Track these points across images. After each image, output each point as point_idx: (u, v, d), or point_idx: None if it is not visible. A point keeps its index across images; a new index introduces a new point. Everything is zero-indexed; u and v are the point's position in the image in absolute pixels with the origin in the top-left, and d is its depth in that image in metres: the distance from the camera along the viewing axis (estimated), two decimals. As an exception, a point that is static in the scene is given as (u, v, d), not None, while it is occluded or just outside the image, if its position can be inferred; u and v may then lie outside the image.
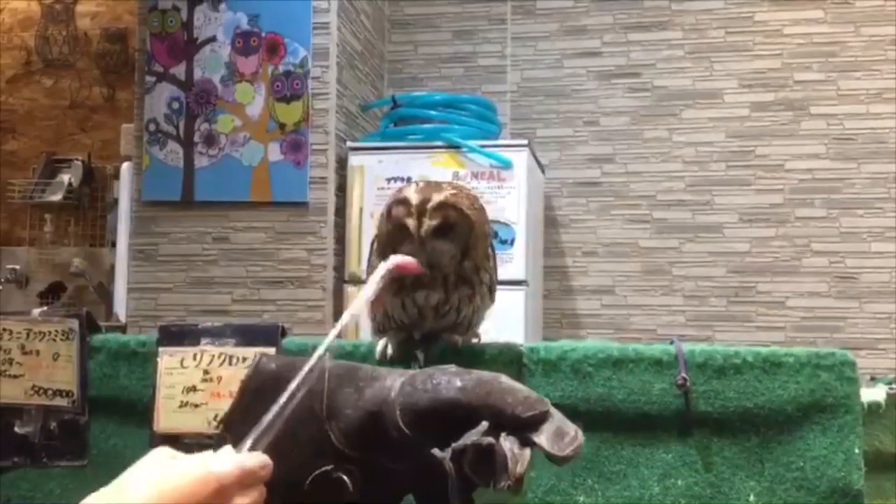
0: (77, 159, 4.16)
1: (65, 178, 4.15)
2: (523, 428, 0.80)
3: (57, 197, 4.13)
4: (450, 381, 0.83)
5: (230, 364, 1.22)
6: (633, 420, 1.15)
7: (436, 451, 0.80)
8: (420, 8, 3.87)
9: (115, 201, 3.64)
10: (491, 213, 3.00)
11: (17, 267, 4.18)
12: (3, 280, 4.14)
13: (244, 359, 1.22)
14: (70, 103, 4.30)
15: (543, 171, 3.57)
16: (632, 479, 1.14)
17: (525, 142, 3.13)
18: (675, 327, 3.51)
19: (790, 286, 3.49)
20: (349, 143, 3.20)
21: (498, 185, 3.04)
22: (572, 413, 1.18)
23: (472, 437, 0.79)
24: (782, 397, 1.12)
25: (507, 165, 3.02)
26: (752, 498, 1.10)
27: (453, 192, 1.10)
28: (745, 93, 3.59)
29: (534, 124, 3.70)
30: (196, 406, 1.21)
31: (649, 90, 3.66)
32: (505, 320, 2.87)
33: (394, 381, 0.86)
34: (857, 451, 1.09)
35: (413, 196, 1.08)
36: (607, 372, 1.16)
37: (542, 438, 0.80)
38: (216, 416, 1.22)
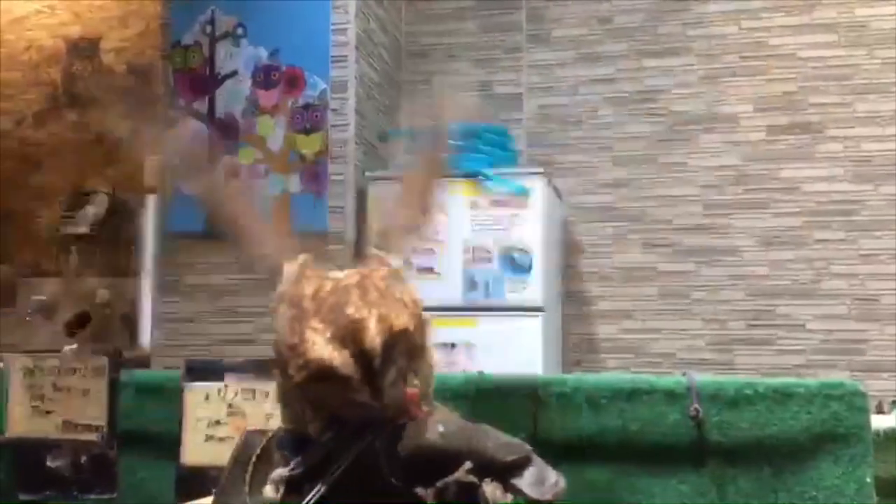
0: (102, 192, 4.24)
1: (90, 210, 4.23)
2: (505, 472, 0.82)
3: (83, 229, 4.20)
4: (432, 427, 0.84)
5: (253, 398, 1.26)
6: (647, 451, 1.17)
7: (419, 490, 0.81)
8: (436, 38, 3.93)
9: (140, 233, 3.71)
10: (508, 241, 3.05)
11: (44, 298, 4.25)
12: (30, 311, 4.21)
13: (266, 393, 1.25)
14: (95, 137, 4.39)
15: (561, 198, 3.60)
16: (647, 509, 1.16)
17: (542, 169, 3.16)
18: (694, 351, 3.51)
19: (810, 309, 3.49)
20: (368, 173, 3.25)
21: (515, 213, 3.07)
22: (587, 445, 1.21)
23: (456, 475, 0.81)
24: (794, 427, 1.13)
25: (524, 193, 3.06)
26: (766, 528, 1.12)
27: (375, 309, 0.78)
28: (761, 116, 3.60)
29: (550, 151, 3.73)
30: (221, 440, 1.25)
31: (665, 115, 3.69)
32: (521, 347, 2.91)
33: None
34: (868, 479, 1.10)
35: (340, 363, 0.75)
36: (621, 403, 1.18)
37: (524, 483, 0.81)
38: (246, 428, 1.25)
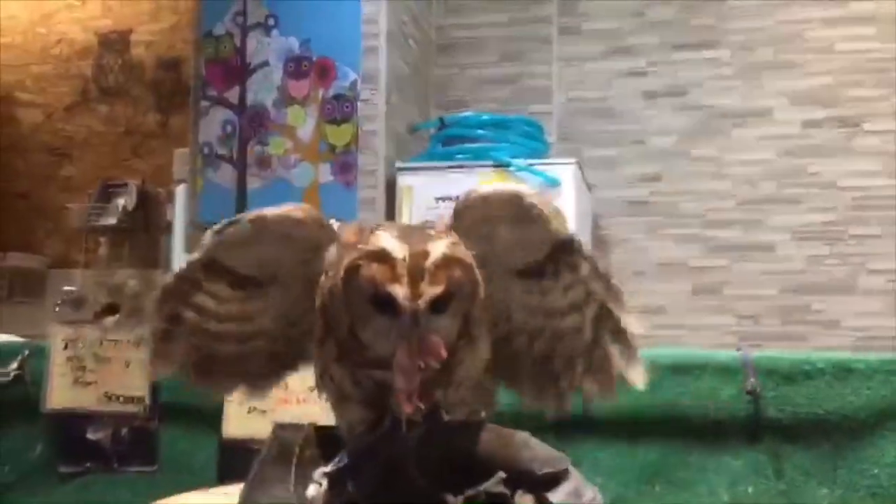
0: (132, 184, 4.25)
1: (119, 202, 4.25)
2: (539, 486, 0.78)
3: (112, 220, 4.22)
4: (467, 431, 0.81)
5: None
6: (701, 426, 1.14)
7: (449, 498, 0.77)
8: (466, 31, 3.91)
9: (169, 224, 3.71)
10: (540, 232, 3.00)
11: (73, 289, 4.27)
12: (59, 301, 4.23)
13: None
14: (125, 130, 4.41)
15: (591, 191, 3.57)
16: (700, 486, 1.13)
17: (574, 160, 3.13)
18: (726, 348, 3.45)
19: (845, 305, 3.42)
20: (398, 164, 3.23)
21: (547, 204, 3.03)
22: (637, 421, 1.18)
23: (486, 485, 0.77)
24: (854, 403, 1.10)
25: (555, 184, 3.02)
26: (825, 506, 1.08)
27: (449, 238, 0.77)
28: (797, 110, 3.55)
29: (581, 144, 3.70)
30: (264, 412, 1.23)
31: (698, 109, 3.64)
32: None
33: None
34: (933, 457, 1.07)
35: (397, 248, 0.73)
36: (675, 378, 1.15)
37: (559, 498, 0.77)
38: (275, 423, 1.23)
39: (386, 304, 0.72)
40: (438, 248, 0.73)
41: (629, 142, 3.70)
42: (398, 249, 0.72)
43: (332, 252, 0.81)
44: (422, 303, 0.72)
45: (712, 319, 3.52)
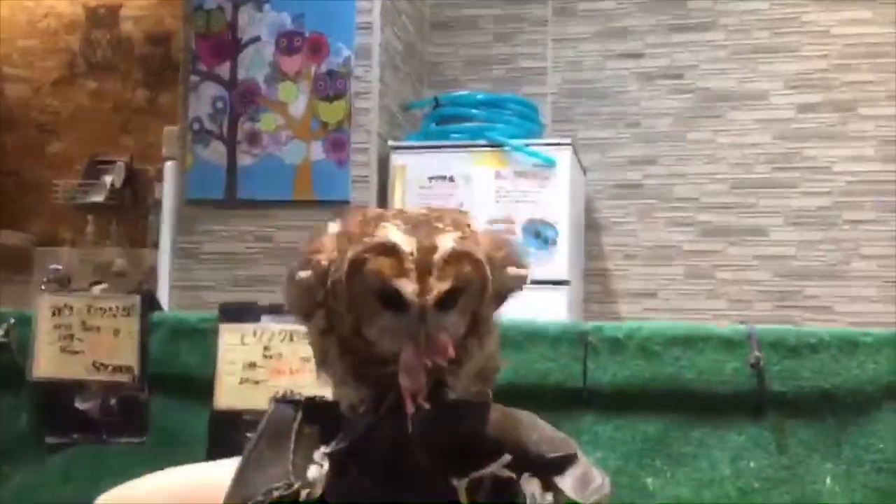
0: (120, 161, 4.20)
1: (107, 179, 4.19)
2: (547, 469, 0.75)
3: (99, 198, 4.17)
4: (473, 412, 0.79)
5: (291, 340, 1.21)
6: (703, 400, 1.12)
7: (453, 480, 0.74)
8: (460, 10, 3.86)
9: (157, 202, 3.66)
10: (534, 213, 2.99)
11: (60, 267, 4.22)
12: (45, 279, 4.18)
13: (304, 335, 1.20)
14: (113, 106, 4.35)
15: (585, 173, 3.54)
16: (702, 460, 1.11)
17: (569, 140, 3.11)
18: (718, 332, 3.44)
19: (838, 290, 3.42)
20: (391, 142, 3.20)
21: (541, 185, 3.01)
22: (639, 394, 1.16)
23: (491, 468, 0.74)
24: (860, 377, 1.08)
25: (550, 164, 3.00)
26: (829, 481, 1.07)
27: (457, 232, 0.75)
28: (792, 94, 3.53)
29: (575, 126, 3.67)
30: (256, 383, 1.21)
31: (693, 91, 3.62)
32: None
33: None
34: (940, 432, 1.05)
35: (405, 242, 0.72)
36: (676, 351, 1.13)
37: (566, 483, 0.74)
38: (276, 394, 1.20)
39: (393, 299, 0.71)
40: (447, 243, 0.72)
41: (623, 124, 3.67)
42: (406, 243, 0.71)
43: (329, 241, 0.78)
44: (430, 299, 0.70)
45: (705, 304, 3.51)
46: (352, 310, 0.74)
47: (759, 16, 3.59)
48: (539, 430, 0.76)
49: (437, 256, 0.71)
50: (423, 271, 0.70)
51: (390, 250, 0.71)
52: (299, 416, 0.81)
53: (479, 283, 0.74)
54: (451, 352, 0.72)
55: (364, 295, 0.72)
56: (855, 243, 3.43)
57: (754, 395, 1.10)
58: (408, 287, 0.70)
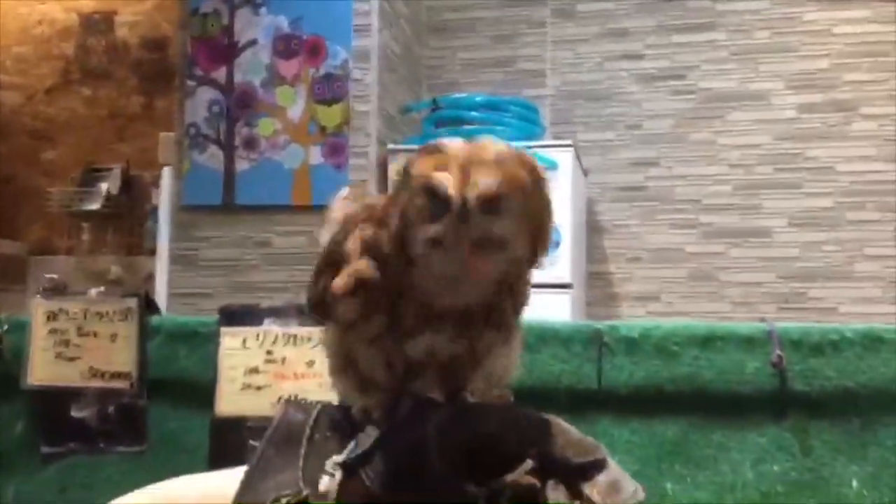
0: (115, 168, 4.16)
1: (103, 186, 4.15)
2: (574, 476, 0.71)
3: (95, 205, 4.12)
4: (494, 416, 0.74)
5: (294, 344, 1.17)
6: (723, 401, 1.08)
7: (472, 489, 0.70)
8: (458, 13, 3.83)
9: (154, 209, 3.62)
10: (536, 215, 2.95)
11: (55, 276, 4.16)
12: (40, 289, 4.13)
13: (309, 338, 1.17)
14: (108, 112, 4.31)
15: (586, 175, 3.51)
16: (723, 464, 1.07)
17: (570, 142, 3.07)
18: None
19: (843, 292, 3.39)
20: (390, 145, 3.16)
21: (543, 187, 2.97)
22: (657, 396, 1.12)
23: (513, 476, 0.70)
24: (885, 375, 1.04)
25: (553, 166, 2.96)
26: (855, 483, 1.03)
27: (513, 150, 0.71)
28: (793, 94, 3.50)
29: (575, 128, 3.64)
30: (259, 388, 1.17)
31: (694, 92, 3.59)
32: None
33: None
34: (970, 431, 1.01)
35: (452, 145, 0.69)
36: (695, 350, 1.09)
37: (595, 491, 0.70)
38: (280, 399, 1.16)
39: (436, 198, 0.66)
40: (495, 147, 0.68)
41: (624, 126, 3.64)
42: (454, 146, 0.68)
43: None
44: (473, 194, 0.65)
45: (708, 306, 3.47)
46: (399, 228, 0.68)
47: (760, 16, 3.56)
48: (565, 434, 0.72)
49: (484, 153, 0.67)
50: (467, 166, 0.66)
51: (435, 149, 0.67)
52: (311, 421, 0.77)
53: (536, 195, 0.69)
54: (490, 267, 0.67)
55: (410, 203, 0.68)
56: (859, 244, 3.40)
57: (776, 396, 1.06)
58: (447, 180, 0.65)
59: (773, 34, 3.55)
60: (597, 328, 1.12)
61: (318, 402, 0.80)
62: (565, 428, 0.74)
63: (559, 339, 1.13)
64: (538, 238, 0.71)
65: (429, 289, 0.69)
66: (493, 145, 0.69)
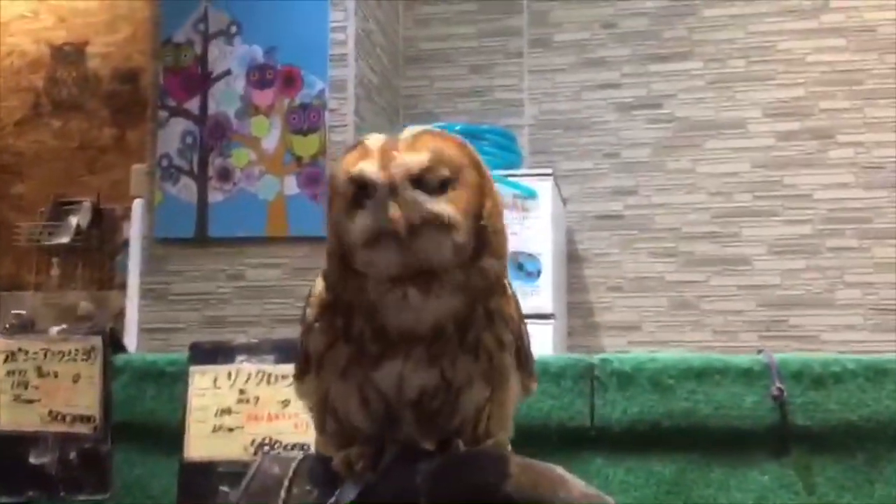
0: (85, 201, 4.08)
1: (73, 220, 4.07)
2: None
3: (65, 239, 4.04)
4: (489, 465, 0.69)
5: (268, 383, 1.11)
6: (722, 437, 1.03)
7: None
8: (435, 43, 3.82)
9: (125, 243, 3.54)
10: (516, 245, 2.91)
11: (23, 312, 4.05)
12: (7, 325, 4.01)
13: (284, 377, 1.10)
14: (79, 145, 4.24)
15: (565, 204, 3.48)
16: (723, 503, 1.01)
17: (549, 171, 3.04)
18: (704, 364, 3.37)
19: (823, 319, 3.37)
20: (367, 176, 3.11)
21: (522, 216, 2.94)
22: (652, 432, 1.06)
23: None
24: (890, 408, 1.00)
25: (531, 195, 2.93)
26: (862, 523, 0.98)
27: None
28: (770, 122, 3.51)
29: (553, 157, 3.61)
30: (231, 430, 1.10)
31: (671, 121, 3.58)
32: (533, 355, 2.75)
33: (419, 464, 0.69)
34: (981, 466, 0.97)
35: (371, 136, 0.67)
36: (691, 384, 1.04)
37: None
38: (253, 442, 1.10)
39: (364, 187, 0.63)
40: (422, 127, 0.66)
41: (602, 155, 3.63)
42: (374, 136, 0.66)
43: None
44: (397, 171, 0.62)
45: (690, 335, 3.44)
46: (334, 242, 0.66)
47: (735, 44, 3.58)
48: (567, 487, 0.66)
49: (406, 135, 0.65)
50: (389, 150, 0.63)
51: (357, 144, 0.65)
52: (290, 472, 0.71)
53: (468, 170, 0.65)
54: (434, 254, 0.62)
55: (340, 206, 0.64)
56: (839, 271, 3.39)
57: (777, 431, 1.01)
58: (370, 166, 0.62)
59: (749, 63, 3.56)
60: (588, 362, 1.07)
61: (297, 453, 0.74)
62: (568, 479, 0.68)
63: (549, 374, 1.07)
64: (482, 223, 0.65)
65: (385, 305, 0.63)
66: (415, 128, 0.66)
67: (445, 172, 0.63)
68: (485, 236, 0.65)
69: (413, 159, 0.62)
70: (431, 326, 0.64)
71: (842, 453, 1.00)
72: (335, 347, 0.68)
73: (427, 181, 0.62)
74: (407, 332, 0.64)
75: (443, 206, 0.62)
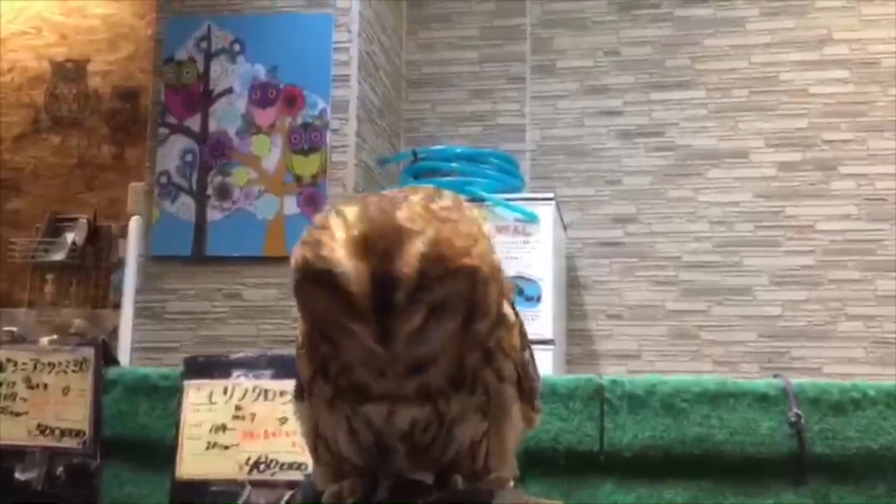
0: (82, 218, 4.04)
1: (69, 237, 4.02)
2: None
3: (60, 256, 3.98)
4: (487, 502, 0.64)
5: (265, 399, 1.07)
6: (736, 464, 0.99)
7: None
8: (437, 67, 3.82)
9: (121, 261, 3.50)
10: (516, 269, 2.88)
11: (15, 329, 4.00)
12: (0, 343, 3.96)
13: (282, 393, 1.06)
14: (77, 161, 4.20)
15: (566, 230, 3.45)
16: (737, 534, 0.97)
17: (551, 195, 3.02)
18: (704, 395, 3.33)
19: (825, 351, 3.33)
20: (368, 198, 3.08)
21: (524, 240, 2.91)
22: (664, 458, 1.03)
23: None
24: (912, 437, 0.96)
25: (532, 220, 2.90)
26: (883, 557, 0.94)
27: (421, 208, 0.60)
28: (772, 152, 3.50)
29: (554, 183, 3.59)
30: (226, 448, 1.05)
31: (673, 149, 3.57)
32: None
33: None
34: None
35: (336, 221, 0.61)
36: (705, 408, 1.00)
37: None
38: (248, 460, 1.05)
39: (335, 295, 0.59)
40: (411, 258, 0.56)
41: (603, 182, 3.61)
42: (353, 274, 0.58)
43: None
44: (399, 343, 0.58)
45: (689, 365, 3.40)
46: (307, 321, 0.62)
47: (738, 74, 3.58)
48: None
49: (399, 294, 0.55)
50: (384, 314, 0.56)
51: (333, 283, 0.58)
52: None
53: (459, 274, 0.57)
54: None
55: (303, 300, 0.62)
56: (841, 303, 3.36)
57: (794, 458, 0.97)
58: (370, 337, 0.57)
59: (751, 93, 3.56)
60: (598, 383, 1.03)
61: (287, 493, 0.70)
62: None
63: (557, 395, 1.04)
64: (475, 302, 0.60)
65: (365, 373, 0.61)
66: (400, 202, 0.59)
67: (434, 285, 0.56)
68: (475, 310, 0.60)
69: (412, 324, 0.56)
70: (416, 389, 0.60)
71: (861, 483, 0.96)
72: (319, 379, 0.64)
73: (420, 291, 0.56)
74: (389, 393, 0.60)
75: (436, 335, 0.58)
